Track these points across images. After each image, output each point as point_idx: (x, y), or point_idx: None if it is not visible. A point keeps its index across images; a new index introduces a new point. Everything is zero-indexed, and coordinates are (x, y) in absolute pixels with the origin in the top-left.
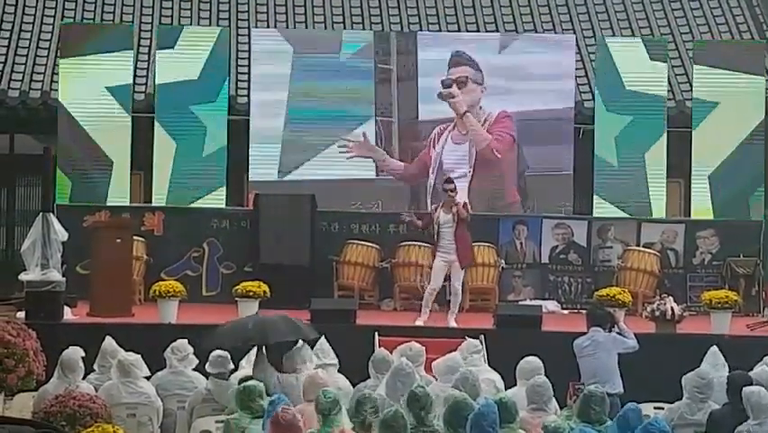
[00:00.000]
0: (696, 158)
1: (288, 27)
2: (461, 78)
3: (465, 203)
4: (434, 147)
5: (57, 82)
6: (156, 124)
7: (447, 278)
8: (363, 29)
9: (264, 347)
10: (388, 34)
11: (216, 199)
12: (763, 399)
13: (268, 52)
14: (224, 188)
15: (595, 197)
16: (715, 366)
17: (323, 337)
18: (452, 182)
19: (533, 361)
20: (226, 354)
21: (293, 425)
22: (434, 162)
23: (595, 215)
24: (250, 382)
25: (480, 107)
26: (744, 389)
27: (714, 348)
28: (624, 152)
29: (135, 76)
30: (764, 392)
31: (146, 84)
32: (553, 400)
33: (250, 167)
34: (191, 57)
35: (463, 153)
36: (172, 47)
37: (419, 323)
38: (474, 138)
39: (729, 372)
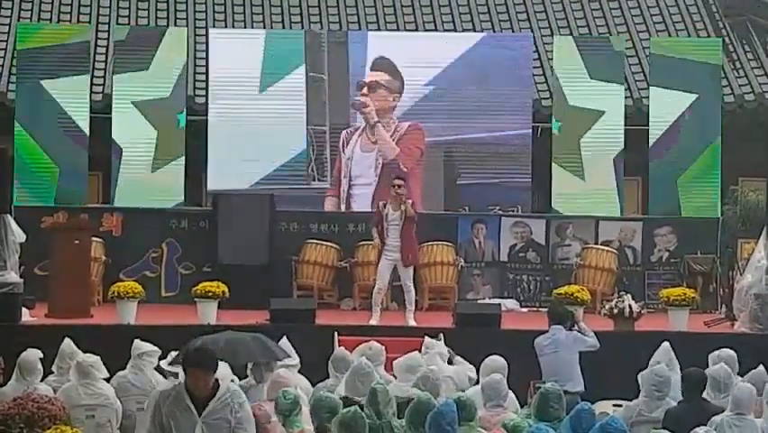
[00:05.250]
0: (653, 156)
1: (245, 27)
2: (372, 83)
3: (413, 202)
4: (343, 152)
5: (13, 83)
6: (113, 124)
7: (397, 277)
8: (321, 28)
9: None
10: (319, 35)
11: (174, 200)
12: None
13: (220, 55)
14: (182, 190)
15: (554, 195)
16: (668, 364)
17: (284, 338)
18: (403, 179)
19: (497, 360)
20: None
21: (266, 420)
22: (344, 168)
23: (553, 213)
24: None
25: (392, 117)
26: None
27: (666, 344)
28: (587, 148)
29: (93, 76)
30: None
31: (103, 84)
32: (510, 396)
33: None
34: (146, 57)
35: (371, 162)
36: (128, 47)
37: (373, 322)
38: (382, 149)
39: (685, 369)
